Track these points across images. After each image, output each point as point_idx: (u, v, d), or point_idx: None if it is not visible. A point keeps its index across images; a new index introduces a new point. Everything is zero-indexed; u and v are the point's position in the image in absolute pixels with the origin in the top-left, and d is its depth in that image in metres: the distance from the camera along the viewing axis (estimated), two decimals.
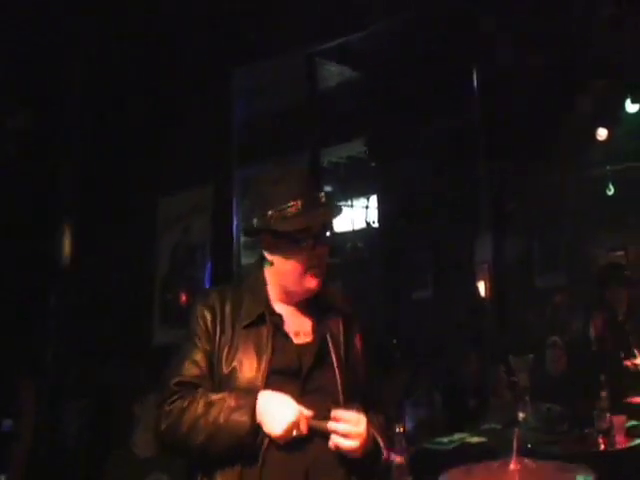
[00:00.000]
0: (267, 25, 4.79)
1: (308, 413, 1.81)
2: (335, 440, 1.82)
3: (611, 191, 6.60)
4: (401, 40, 5.51)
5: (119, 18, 4.89)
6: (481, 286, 7.72)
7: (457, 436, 4.32)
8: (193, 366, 1.86)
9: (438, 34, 5.39)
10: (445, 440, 4.28)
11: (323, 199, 1.90)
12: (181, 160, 5.00)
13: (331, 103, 6.40)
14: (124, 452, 3.57)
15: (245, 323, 1.88)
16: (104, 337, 4.89)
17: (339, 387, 1.88)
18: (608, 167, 6.60)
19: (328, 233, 1.92)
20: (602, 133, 6.19)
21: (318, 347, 1.90)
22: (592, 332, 5.05)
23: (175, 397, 1.82)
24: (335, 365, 1.89)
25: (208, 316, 1.89)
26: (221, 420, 1.77)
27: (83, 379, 4.83)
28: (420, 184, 7.36)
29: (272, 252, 1.91)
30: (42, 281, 4.84)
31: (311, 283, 1.90)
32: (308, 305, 1.98)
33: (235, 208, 4.74)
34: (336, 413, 1.82)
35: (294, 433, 1.79)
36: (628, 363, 4.74)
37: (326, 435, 1.83)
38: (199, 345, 1.88)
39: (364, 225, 8.63)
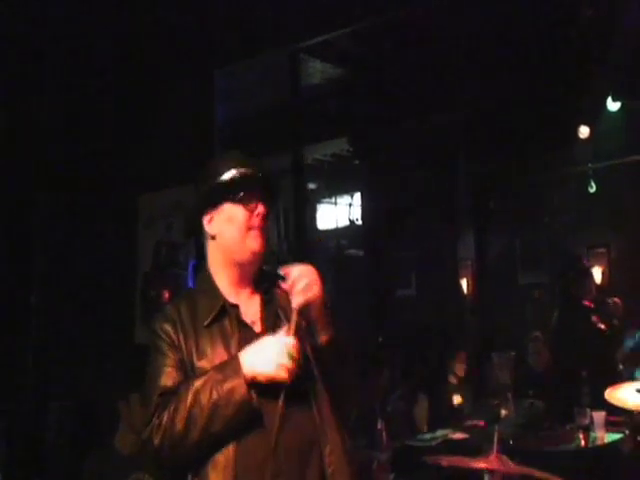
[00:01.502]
0: (250, 23, 4.78)
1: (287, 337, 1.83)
2: (295, 292, 1.83)
3: (593, 189, 6.66)
4: (385, 37, 5.51)
5: (98, 16, 4.86)
6: (464, 283, 7.77)
7: (440, 432, 4.34)
8: (168, 378, 1.85)
9: (421, 32, 5.40)
10: (428, 437, 4.30)
11: (259, 171, 1.99)
12: (164, 157, 4.98)
13: (315, 101, 6.41)
14: (106, 450, 3.55)
15: (207, 322, 1.91)
16: (85, 335, 4.86)
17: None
18: (590, 165, 6.65)
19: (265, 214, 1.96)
20: (584, 131, 6.23)
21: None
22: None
23: (160, 408, 1.80)
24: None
25: (169, 328, 1.90)
26: (215, 397, 1.76)
27: (64, 378, 4.80)
28: (404, 182, 7.38)
29: (214, 221, 1.98)
30: (22, 281, 4.81)
31: (253, 244, 1.94)
32: (257, 290, 2.01)
33: None
34: (284, 270, 1.88)
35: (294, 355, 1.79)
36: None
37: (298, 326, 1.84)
38: (168, 357, 1.88)
39: (348, 223, 8.64)
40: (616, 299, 6.21)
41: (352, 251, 8.39)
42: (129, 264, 4.98)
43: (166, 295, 4.81)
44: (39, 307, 4.79)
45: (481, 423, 4.39)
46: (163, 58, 5.03)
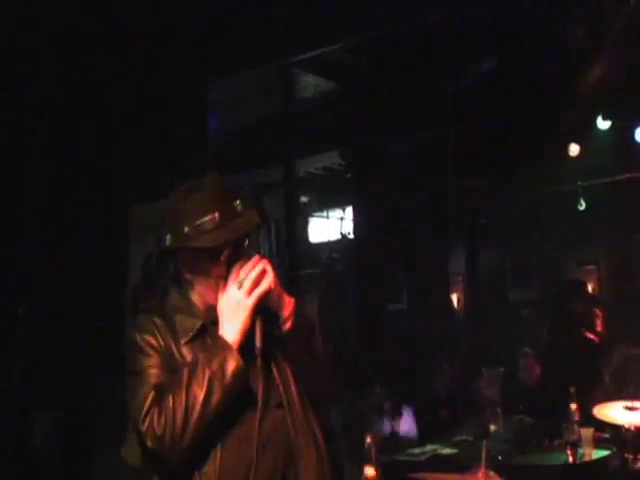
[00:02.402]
0: (243, 37, 4.80)
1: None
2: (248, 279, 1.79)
3: (582, 206, 6.69)
4: (377, 52, 5.56)
5: (94, 29, 4.88)
6: (455, 299, 7.78)
7: (429, 448, 4.32)
8: (156, 377, 1.80)
9: (414, 46, 5.44)
10: (417, 452, 4.28)
11: (240, 207, 1.86)
12: (155, 169, 4.98)
13: (307, 114, 6.44)
14: (113, 459, 3.52)
15: (186, 339, 1.85)
16: (74, 347, 4.83)
17: (278, 380, 1.88)
18: (580, 183, 6.69)
19: (247, 242, 1.88)
20: (574, 149, 6.27)
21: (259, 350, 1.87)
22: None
23: (157, 399, 1.74)
24: (277, 367, 1.90)
25: (150, 339, 1.85)
26: (208, 372, 1.73)
27: (53, 390, 4.77)
28: (395, 197, 7.41)
29: (191, 270, 1.89)
30: (12, 291, 4.78)
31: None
32: None
33: None
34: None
35: (257, 292, 1.79)
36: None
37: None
38: (153, 363, 1.82)
39: (339, 236, 8.66)
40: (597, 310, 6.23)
41: (343, 265, 8.40)
42: (119, 275, 4.97)
43: None
44: (28, 318, 4.76)
45: (470, 438, 4.39)
46: (157, 70, 5.04)
